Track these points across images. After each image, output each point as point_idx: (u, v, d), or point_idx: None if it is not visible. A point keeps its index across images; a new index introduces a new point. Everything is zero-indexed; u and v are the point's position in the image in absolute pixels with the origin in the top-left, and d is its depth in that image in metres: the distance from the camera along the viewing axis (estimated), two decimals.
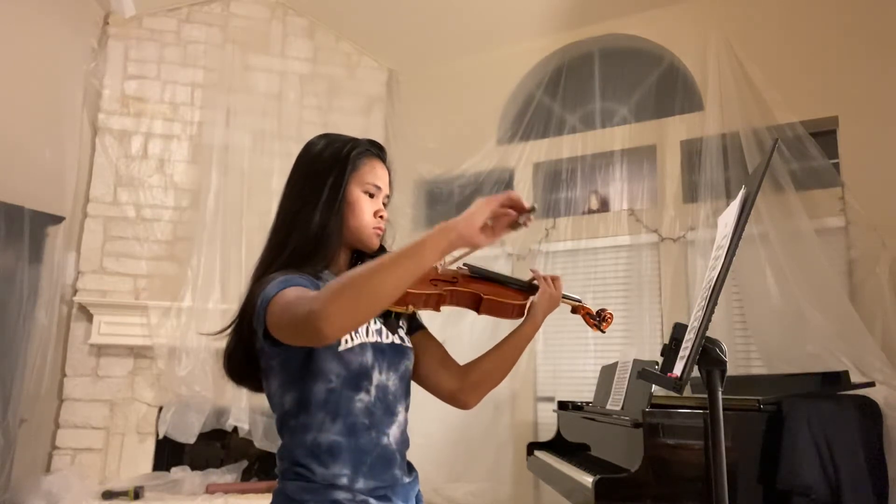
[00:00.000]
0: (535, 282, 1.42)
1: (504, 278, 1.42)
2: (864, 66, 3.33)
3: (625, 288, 3.78)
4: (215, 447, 4.07)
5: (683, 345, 1.18)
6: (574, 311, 1.52)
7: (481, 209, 1.06)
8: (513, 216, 1.09)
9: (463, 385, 1.31)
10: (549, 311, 1.39)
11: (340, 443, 1.12)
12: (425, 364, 1.31)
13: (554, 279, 1.41)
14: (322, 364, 1.11)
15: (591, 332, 3.66)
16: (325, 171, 1.22)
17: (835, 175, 3.31)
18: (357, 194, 1.23)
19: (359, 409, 1.14)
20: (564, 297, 1.46)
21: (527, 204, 1.10)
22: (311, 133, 1.32)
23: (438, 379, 1.31)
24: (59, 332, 3.72)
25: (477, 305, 1.33)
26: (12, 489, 3.27)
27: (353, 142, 1.26)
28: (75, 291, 3.87)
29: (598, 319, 1.50)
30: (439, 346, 1.35)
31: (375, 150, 1.28)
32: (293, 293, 1.03)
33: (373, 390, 1.16)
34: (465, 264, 1.32)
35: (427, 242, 1.00)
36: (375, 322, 1.21)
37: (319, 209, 1.19)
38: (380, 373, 1.17)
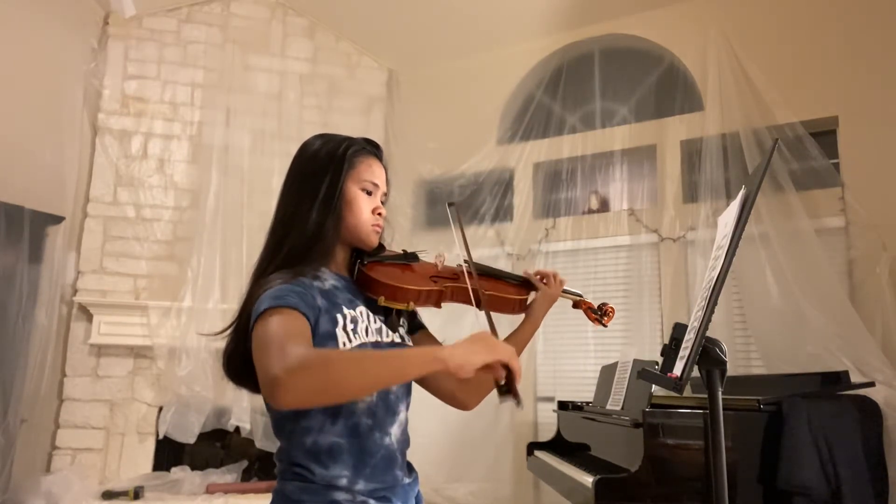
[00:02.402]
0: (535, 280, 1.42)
1: (504, 274, 1.43)
2: (864, 66, 3.33)
3: (625, 288, 3.78)
4: (215, 447, 4.07)
5: (683, 345, 1.18)
6: (576, 306, 1.53)
7: (480, 356, 0.99)
8: (499, 375, 1.02)
9: (463, 386, 1.31)
10: (547, 310, 1.39)
11: (341, 444, 1.11)
12: None
13: (554, 275, 1.42)
14: None
15: (591, 332, 3.74)
16: (321, 169, 1.21)
17: (835, 175, 3.31)
18: (354, 192, 1.22)
19: (361, 410, 1.13)
20: (566, 291, 1.47)
21: (519, 388, 1.01)
22: (311, 133, 1.32)
23: (438, 380, 1.31)
24: (59, 332, 3.72)
25: (478, 301, 1.33)
26: (12, 489, 3.27)
27: (350, 140, 1.26)
28: (75, 291, 3.87)
29: (599, 314, 1.51)
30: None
31: (372, 148, 1.28)
32: (277, 326, 1.00)
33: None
34: (465, 260, 1.32)
35: (413, 361, 0.99)
36: (376, 321, 1.20)
37: (316, 208, 1.18)
38: None
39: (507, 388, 1.02)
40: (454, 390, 1.31)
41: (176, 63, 4.27)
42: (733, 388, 1.72)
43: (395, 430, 1.18)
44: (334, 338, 1.11)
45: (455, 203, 1.45)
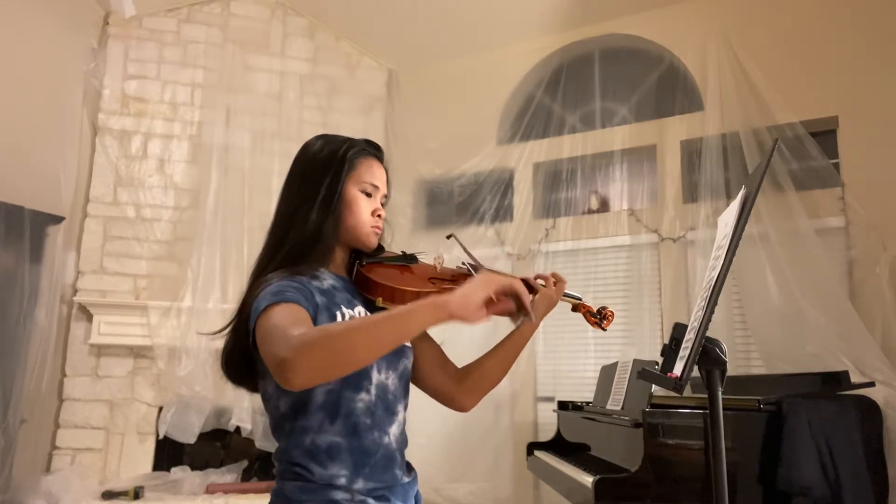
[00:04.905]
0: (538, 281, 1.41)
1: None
2: (864, 66, 3.33)
3: (625, 288, 3.78)
4: (215, 447, 4.07)
5: (683, 345, 1.18)
6: (575, 309, 1.52)
7: (480, 290, 1.03)
8: (510, 307, 1.04)
9: (460, 387, 1.31)
10: (547, 312, 1.39)
11: (340, 443, 1.11)
12: (423, 366, 1.31)
13: (556, 282, 1.40)
14: None
15: (591, 332, 3.74)
16: (322, 170, 1.22)
17: (835, 175, 3.31)
18: (354, 193, 1.23)
19: (360, 410, 1.13)
20: (565, 295, 1.46)
21: (528, 302, 1.05)
22: (311, 133, 1.32)
23: (436, 381, 1.31)
24: (59, 332, 3.72)
25: None
26: (12, 489, 3.27)
27: (350, 142, 1.26)
28: (75, 291, 3.87)
29: (599, 317, 1.50)
30: (437, 347, 1.34)
31: (372, 150, 1.29)
32: (279, 316, 1.00)
33: (373, 390, 1.15)
34: (464, 262, 1.31)
35: (416, 314, 0.99)
36: None
37: (316, 208, 1.19)
38: (379, 372, 1.17)
39: (519, 309, 1.05)
40: (452, 392, 1.31)
41: (176, 63, 4.27)
42: (733, 388, 1.71)
43: (393, 430, 1.18)
44: None
45: (452, 234, 1.51)
